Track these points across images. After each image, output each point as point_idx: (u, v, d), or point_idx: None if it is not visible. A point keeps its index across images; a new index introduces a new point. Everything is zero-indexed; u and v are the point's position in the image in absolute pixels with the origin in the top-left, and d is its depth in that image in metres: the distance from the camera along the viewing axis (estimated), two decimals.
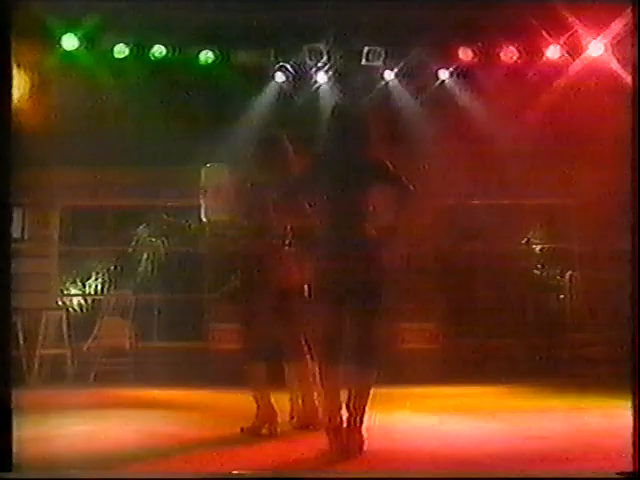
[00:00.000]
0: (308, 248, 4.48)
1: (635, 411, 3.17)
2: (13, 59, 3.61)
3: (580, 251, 9.52)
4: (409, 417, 5.89)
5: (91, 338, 8.79)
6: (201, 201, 9.27)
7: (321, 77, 8.56)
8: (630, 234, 3.28)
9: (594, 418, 5.50)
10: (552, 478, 3.67)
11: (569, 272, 8.98)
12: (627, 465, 3.14)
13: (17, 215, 9.35)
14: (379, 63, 8.36)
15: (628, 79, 3.91)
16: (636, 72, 3.34)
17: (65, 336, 8.85)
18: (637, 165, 3.22)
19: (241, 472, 3.82)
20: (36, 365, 8.60)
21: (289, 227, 4.86)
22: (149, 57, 8.03)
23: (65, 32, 7.73)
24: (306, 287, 4.66)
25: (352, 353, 4.21)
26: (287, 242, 4.86)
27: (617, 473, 3.21)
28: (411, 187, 4.25)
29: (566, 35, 8.05)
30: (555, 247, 9.75)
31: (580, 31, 7.93)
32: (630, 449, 3.12)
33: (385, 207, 4.32)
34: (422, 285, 9.50)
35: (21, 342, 8.64)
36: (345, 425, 4.16)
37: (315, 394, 4.83)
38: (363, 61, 8.29)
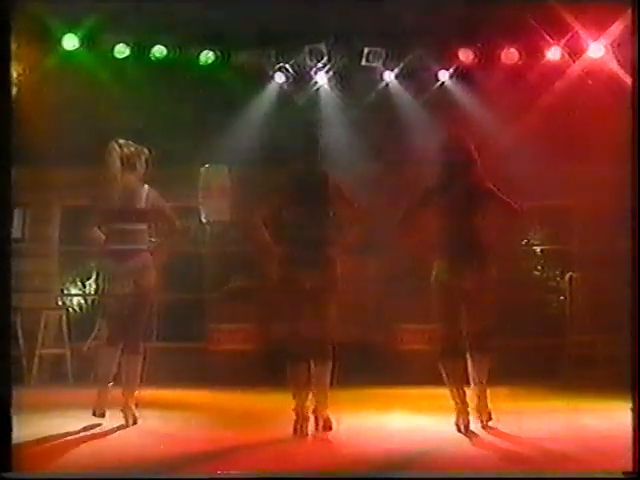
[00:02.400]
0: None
1: (635, 411, 3.17)
2: (14, 59, 3.61)
3: (580, 252, 9.52)
4: (409, 418, 5.89)
5: (91, 338, 8.79)
6: (200, 202, 9.34)
7: (321, 78, 8.55)
8: (630, 234, 3.28)
9: (594, 419, 5.50)
10: (553, 479, 3.67)
11: (569, 273, 8.98)
12: (628, 465, 3.14)
13: (18, 215, 9.35)
14: (379, 64, 8.36)
15: (629, 80, 3.92)
16: (636, 73, 3.34)
17: (65, 336, 8.85)
18: (637, 165, 3.23)
19: (241, 472, 3.83)
20: (36, 365, 8.60)
21: None
22: (149, 57, 8.02)
23: (66, 32, 7.73)
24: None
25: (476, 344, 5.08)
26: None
27: (617, 473, 3.21)
28: (518, 207, 5.06)
29: (567, 36, 8.04)
30: (555, 248, 9.76)
31: (581, 32, 7.92)
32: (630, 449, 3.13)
33: (492, 225, 5.19)
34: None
35: (21, 342, 8.64)
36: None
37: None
38: (363, 62, 8.29)
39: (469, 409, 5.05)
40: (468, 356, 5.13)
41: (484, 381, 5.13)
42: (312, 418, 4.98)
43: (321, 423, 4.98)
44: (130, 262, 5.38)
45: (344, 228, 5.16)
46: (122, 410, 5.35)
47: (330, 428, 5.01)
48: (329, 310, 5.05)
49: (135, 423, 5.32)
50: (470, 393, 5.13)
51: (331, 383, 5.08)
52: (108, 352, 5.45)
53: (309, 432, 4.90)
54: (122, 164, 5.48)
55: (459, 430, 4.95)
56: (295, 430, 4.89)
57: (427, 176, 5.17)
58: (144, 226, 5.54)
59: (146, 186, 5.56)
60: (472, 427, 4.99)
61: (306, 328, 4.98)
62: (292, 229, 5.06)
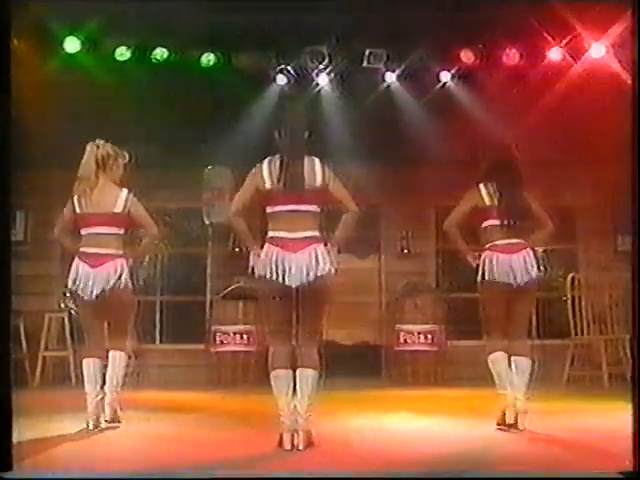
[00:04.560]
0: None
1: (635, 411, 3.17)
2: (15, 61, 3.61)
3: (582, 253, 9.52)
4: (411, 419, 5.89)
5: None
6: (203, 204, 9.35)
7: (322, 80, 8.56)
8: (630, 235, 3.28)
9: (597, 419, 5.50)
10: (553, 478, 3.67)
11: (571, 274, 8.96)
12: (629, 465, 3.14)
13: (20, 218, 9.36)
14: (380, 65, 8.35)
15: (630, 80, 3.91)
16: (636, 74, 3.34)
17: (68, 338, 8.87)
18: (637, 166, 3.23)
19: (241, 472, 3.82)
20: (39, 367, 8.62)
21: None
22: (151, 60, 8.02)
23: (67, 35, 7.73)
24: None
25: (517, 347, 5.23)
26: None
27: (618, 473, 3.21)
28: (551, 224, 5.49)
29: (568, 37, 8.04)
30: (557, 249, 9.75)
31: (582, 33, 7.91)
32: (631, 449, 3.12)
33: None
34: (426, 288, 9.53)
35: (24, 344, 8.67)
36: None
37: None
38: (365, 63, 8.29)
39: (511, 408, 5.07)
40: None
41: (525, 385, 5.11)
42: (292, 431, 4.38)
43: (301, 437, 4.36)
44: (104, 267, 5.30)
45: (335, 222, 4.69)
46: (107, 408, 5.26)
47: (311, 444, 4.40)
48: (317, 312, 4.60)
49: (119, 422, 5.26)
50: (510, 396, 5.09)
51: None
52: (89, 363, 5.33)
53: (295, 445, 4.35)
54: (97, 165, 5.40)
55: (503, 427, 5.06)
56: (280, 443, 4.36)
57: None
58: (120, 230, 5.43)
59: (125, 190, 5.46)
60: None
61: (291, 332, 4.56)
62: (275, 223, 4.56)
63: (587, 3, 7.04)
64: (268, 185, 4.57)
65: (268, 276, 4.47)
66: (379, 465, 4.04)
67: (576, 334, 8.65)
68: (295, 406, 4.43)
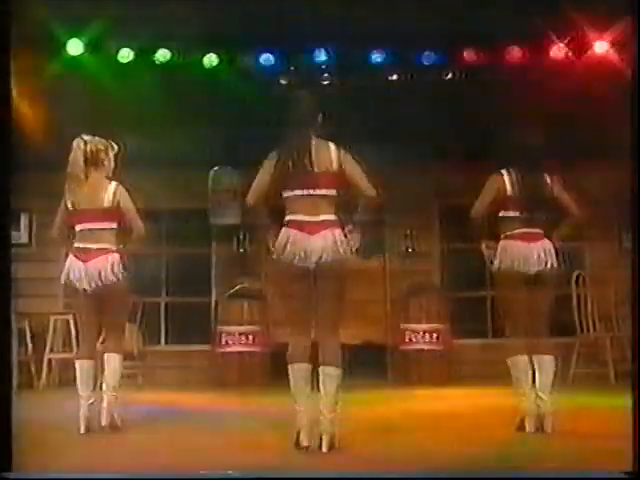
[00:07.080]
0: None
1: (635, 411, 3.16)
2: (17, 64, 3.61)
3: (588, 249, 9.50)
4: (416, 418, 5.89)
5: (99, 342, 8.81)
6: (209, 205, 9.37)
7: (326, 78, 8.55)
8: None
9: (603, 417, 5.49)
10: (554, 478, 3.66)
11: (576, 272, 8.95)
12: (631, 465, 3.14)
13: (24, 220, 9.38)
14: (384, 63, 8.35)
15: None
16: (636, 74, 3.34)
17: (73, 340, 8.87)
18: (637, 164, 3.22)
19: (241, 472, 3.82)
20: (44, 369, 8.64)
21: None
22: (153, 61, 8.03)
23: (70, 37, 7.74)
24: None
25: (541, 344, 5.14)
26: None
27: (619, 473, 3.20)
28: (579, 211, 5.38)
29: (572, 34, 8.02)
30: (562, 245, 9.72)
31: (586, 30, 7.90)
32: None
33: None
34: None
35: (29, 346, 8.69)
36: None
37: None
38: (368, 62, 8.29)
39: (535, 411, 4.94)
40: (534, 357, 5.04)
41: (550, 386, 4.99)
42: (316, 432, 4.35)
43: (325, 440, 4.32)
44: (96, 261, 5.22)
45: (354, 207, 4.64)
46: (104, 413, 5.21)
47: (332, 447, 4.32)
48: (336, 299, 4.48)
49: (117, 427, 5.20)
50: (533, 397, 4.97)
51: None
52: (82, 365, 5.32)
53: (311, 445, 4.34)
54: (86, 161, 5.34)
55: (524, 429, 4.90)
56: (297, 444, 4.35)
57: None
58: (113, 224, 5.36)
59: (114, 184, 5.39)
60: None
61: (310, 321, 4.48)
62: (292, 206, 4.54)
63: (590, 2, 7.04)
64: (284, 169, 4.56)
65: (287, 258, 4.42)
66: (384, 465, 4.04)
67: (582, 331, 8.64)
68: (318, 406, 4.36)
